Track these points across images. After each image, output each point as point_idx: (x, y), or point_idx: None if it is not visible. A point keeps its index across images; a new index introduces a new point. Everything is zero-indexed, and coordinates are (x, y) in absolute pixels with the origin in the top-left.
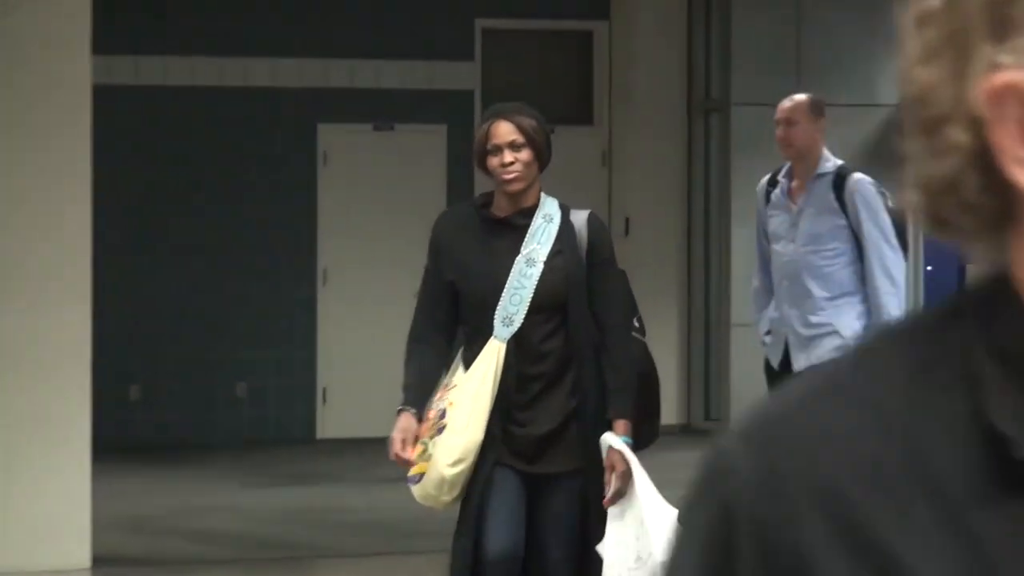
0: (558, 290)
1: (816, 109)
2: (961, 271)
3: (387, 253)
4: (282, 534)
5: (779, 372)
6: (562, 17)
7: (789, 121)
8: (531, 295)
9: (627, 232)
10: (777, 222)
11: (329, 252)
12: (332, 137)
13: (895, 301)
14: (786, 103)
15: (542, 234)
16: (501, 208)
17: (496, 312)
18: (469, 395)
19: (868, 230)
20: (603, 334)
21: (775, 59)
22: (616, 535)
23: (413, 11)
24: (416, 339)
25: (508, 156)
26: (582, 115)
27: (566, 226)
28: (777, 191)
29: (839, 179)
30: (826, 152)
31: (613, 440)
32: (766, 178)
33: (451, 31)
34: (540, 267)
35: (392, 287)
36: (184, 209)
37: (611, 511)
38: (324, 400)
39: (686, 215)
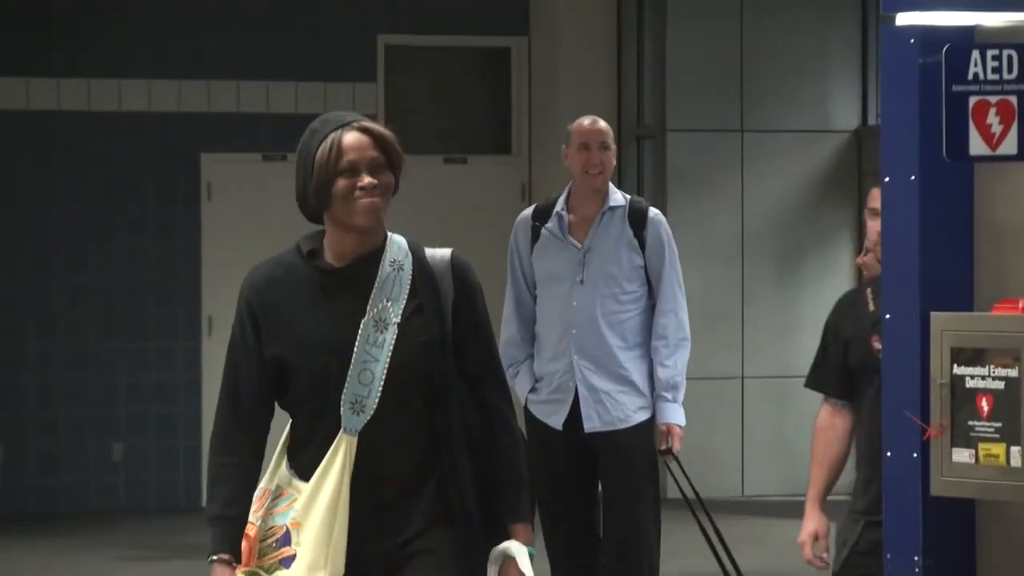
0: (420, 360)
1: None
2: (924, 319)
3: None
4: None
5: (563, 434)
6: (475, 32)
7: (605, 144)
8: (384, 369)
9: None
10: (558, 260)
11: (215, 298)
12: (217, 168)
13: (685, 357)
14: (600, 124)
15: (392, 286)
16: (339, 254)
17: (342, 395)
18: (322, 511)
19: (671, 272)
20: (482, 411)
21: (715, 81)
22: None
23: (307, 26)
24: (225, 449)
25: (368, 178)
26: (499, 143)
27: (422, 274)
28: (551, 225)
29: (636, 213)
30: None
31: (516, 551)
32: (529, 211)
33: (350, 48)
34: (393, 331)
35: None
36: (46, 250)
37: None
38: None
39: None
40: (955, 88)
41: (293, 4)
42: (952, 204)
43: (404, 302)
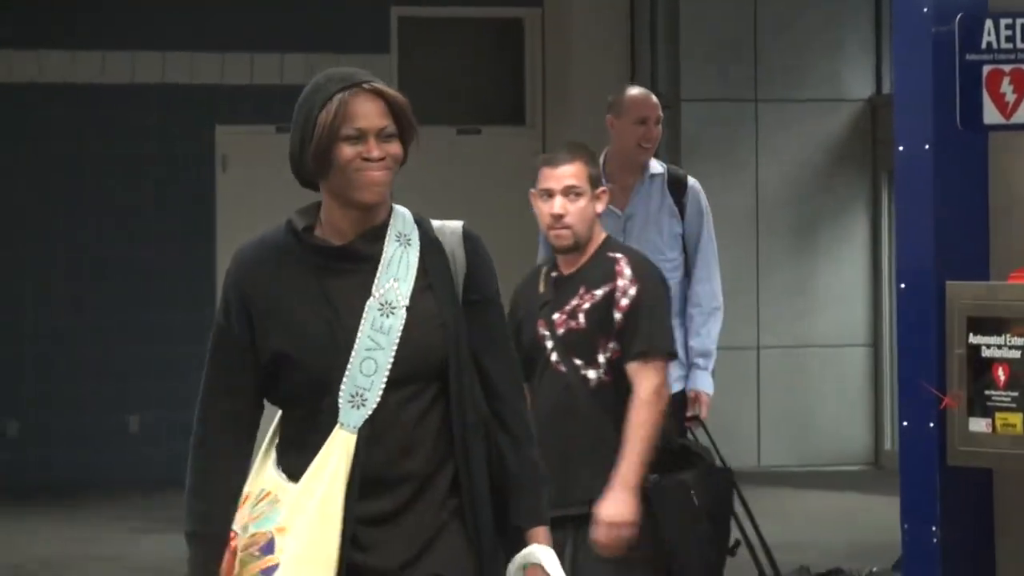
0: (431, 348)
1: None
2: (940, 288)
3: None
4: None
5: None
6: (488, 3)
7: (659, 118)
8: (391, 359)
9: None
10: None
11: None
12: (231, 140)
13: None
14: (653, 98)
15: (399, 265)
16: (338, 229)
17: (341, 388)
18: (311, 516)
19: (708, 241)
20: (494, 404)
21: (729, 50)
22: None
23: None
24: (205, 454)
25: (376, 149)
26: (513, 114)
27: (431, 249)
28: None
29: (676, 181)
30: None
31: (543, 556)
32: None
33: (364, 20)
34: (402, 315)
35: None
36: (64, 223)
37: None
38: None
39: None
40: (968, 57)
41: None
42: (966, 173)
43: (412, 282)
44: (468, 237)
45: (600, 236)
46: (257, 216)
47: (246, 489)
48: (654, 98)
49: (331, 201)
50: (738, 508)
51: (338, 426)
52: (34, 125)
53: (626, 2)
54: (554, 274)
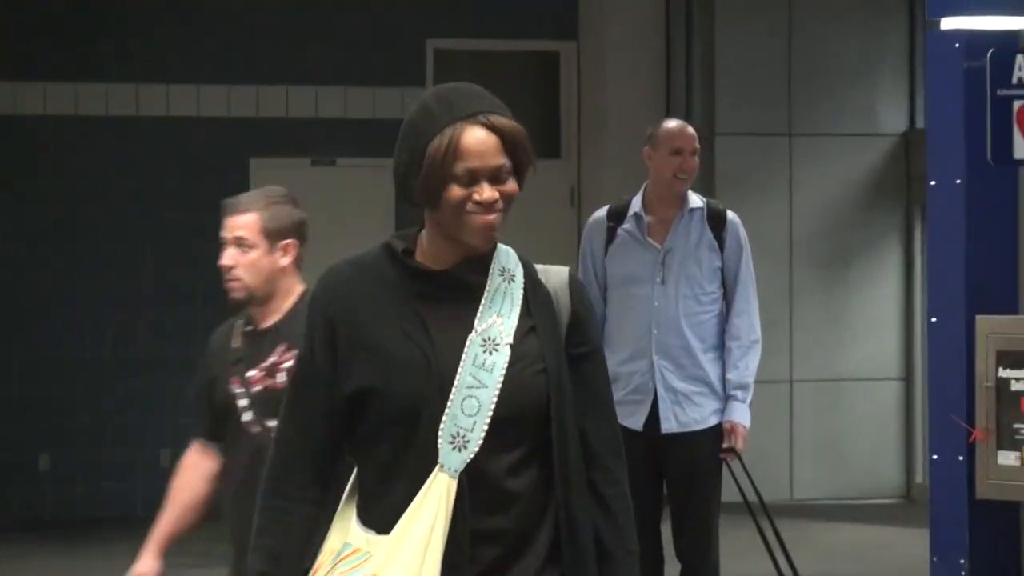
0: (534, 392)
1: None
2: (969, 322)
3: None
4: None
5: (641, 434)
6: (525, 37)
7: (695, 150)
8: (494, 399)
9: None
10: (636, 261)
11: None
12: (265, 173)
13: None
14: (689, 129)
15: (503, 301)
16: (438, 258)
17: (441, 426)
18: (407, 566)
19: (747, 274)
20: (592, 472)
21: (764, 84)
22: None
23: (356, 31)
24: (278, 493)
25: (489, 192)
26: (548, 147)
27: (535, 290)
28: (629, 227)
29: (715, 215)
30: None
31: None
32: (603, 213)
33: (400, 53)
34: (506, 353)
35: None
36: (96, 255)
37: None
38: None
39: None
40: (1000, 92)
41: (343, 8)
42: (997, 207)
43: (516, 321)
44: (574, 284)
45: (297, 289)
46: None
47: (325, 545)
48: (690, 129)
49: (434, 231)
50: (771, 539)
51: (438, 468)
52: (75, 158)
53: (662, 36)
54: (248, 327)
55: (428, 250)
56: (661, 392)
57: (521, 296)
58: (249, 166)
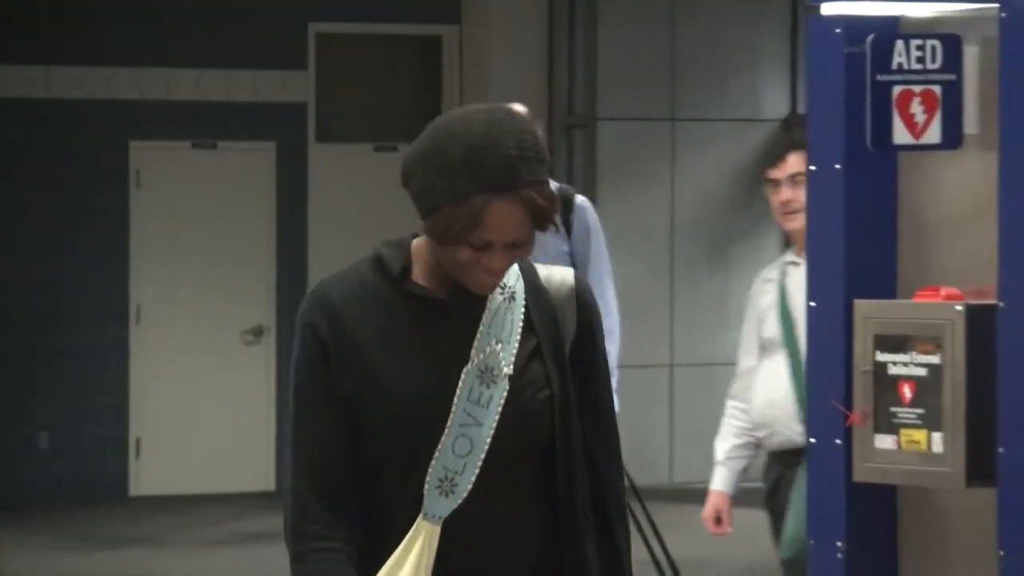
0: (536, 424)
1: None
2: (848, 306)
3: (209, 286)
4: None
5: None
6: (407, 20)
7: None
8: (488, 438)
9: None
10: None
11: (143, 287)
12: (146, 156)
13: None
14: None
15: (503, 324)
16: (435, 276)
17: (430, 470)
18: None
19: (598, 258)
20: (591, 481)
21: (646, 70)
22: None
23: (238, 14)
24: (317, 533)
25: (500, 261)
26: None
27: (537, 303)
28: None
29: (562, 200)
30: None
31: None
32: None
33: (281, 36)
34: (504, 386)
35: (215, 326)
36: None
37: None
38: (137, 453)
39: None
40: (879, 77)
41: None
42: (876, 193)
43: (516, 345)
44: (581, 291)
45: None
46: (170, 232)
47: None
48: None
49: (431, 255)
50: (644, 524)
51: (421, 516)
52: None
53: (545, 20)
54: None
55: (425, 271)
56: None
57: (522, 315)
58: (129, 148)
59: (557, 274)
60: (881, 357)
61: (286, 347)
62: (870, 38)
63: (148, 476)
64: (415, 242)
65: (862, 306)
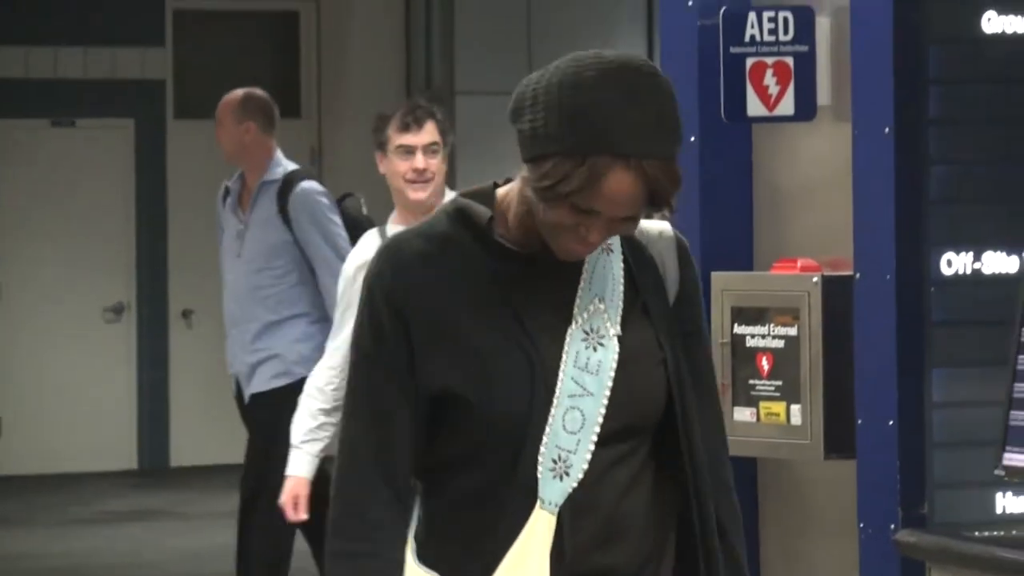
0: (651, 393)
1: (248, 108)
2: (705, 279)
3: (70, 264)
4: None
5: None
6: None
7: (217, 120)
8: (601, 410)
9: None
10: (227, 236)
11: (3, 266)
12: (5, 134)
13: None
14: (225, 97)
15: (604, 280)
16: (525, 228)
17: (542, 449)
18: None
19: (316, 244)
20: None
21: (503, 42)
22: None
23: None
24: (359, 534)
25: (600, 235)
26: (288, 106)
27: (637, 256)
28: (229, 200)
29: (285, 187)
30: (279, 156)
31: None
32: (224, 184)
33: (138, 13)
34: (614, 348)
35: (77, 302)
36: None
37: None
38: (0, 432)
39: None
40: (732, 50)
41: None
42: (731, 165)
43: (622, 303)
44: (681, 244)
45: None
46: (30, 210)
47: None
48: (226, 97)
49: (520, 205)
50: None
51: (538, 504)
52: None
53: None
54: None
55: (514, 223)
56: (238, 367)
57: (623, 269)
58: None
59: (654, 226)
60: (739, 329)
61: (147, 324)
62: (723, 10)
63: (11, 455)
64: (500, 191)
65: (719, 278)
